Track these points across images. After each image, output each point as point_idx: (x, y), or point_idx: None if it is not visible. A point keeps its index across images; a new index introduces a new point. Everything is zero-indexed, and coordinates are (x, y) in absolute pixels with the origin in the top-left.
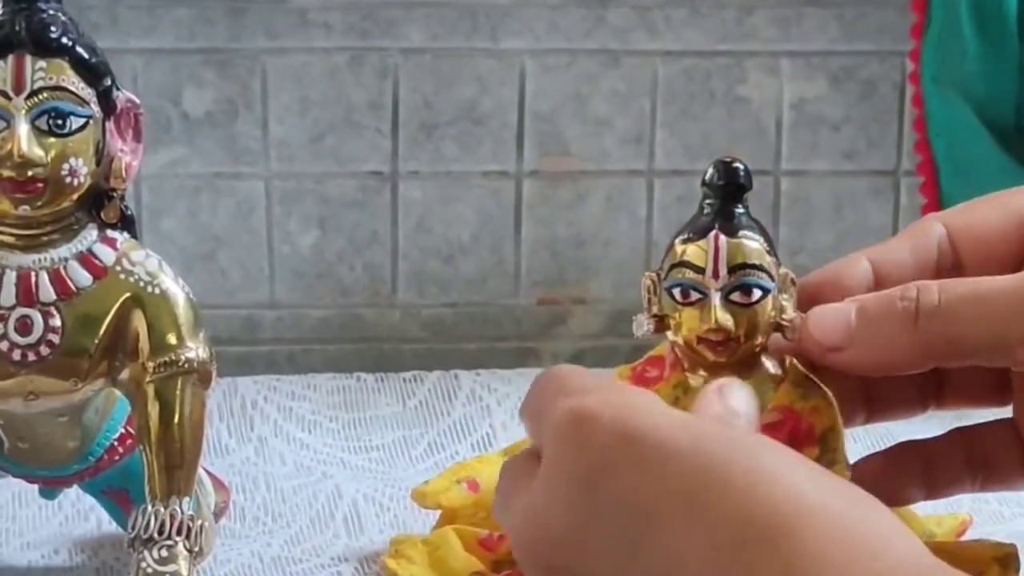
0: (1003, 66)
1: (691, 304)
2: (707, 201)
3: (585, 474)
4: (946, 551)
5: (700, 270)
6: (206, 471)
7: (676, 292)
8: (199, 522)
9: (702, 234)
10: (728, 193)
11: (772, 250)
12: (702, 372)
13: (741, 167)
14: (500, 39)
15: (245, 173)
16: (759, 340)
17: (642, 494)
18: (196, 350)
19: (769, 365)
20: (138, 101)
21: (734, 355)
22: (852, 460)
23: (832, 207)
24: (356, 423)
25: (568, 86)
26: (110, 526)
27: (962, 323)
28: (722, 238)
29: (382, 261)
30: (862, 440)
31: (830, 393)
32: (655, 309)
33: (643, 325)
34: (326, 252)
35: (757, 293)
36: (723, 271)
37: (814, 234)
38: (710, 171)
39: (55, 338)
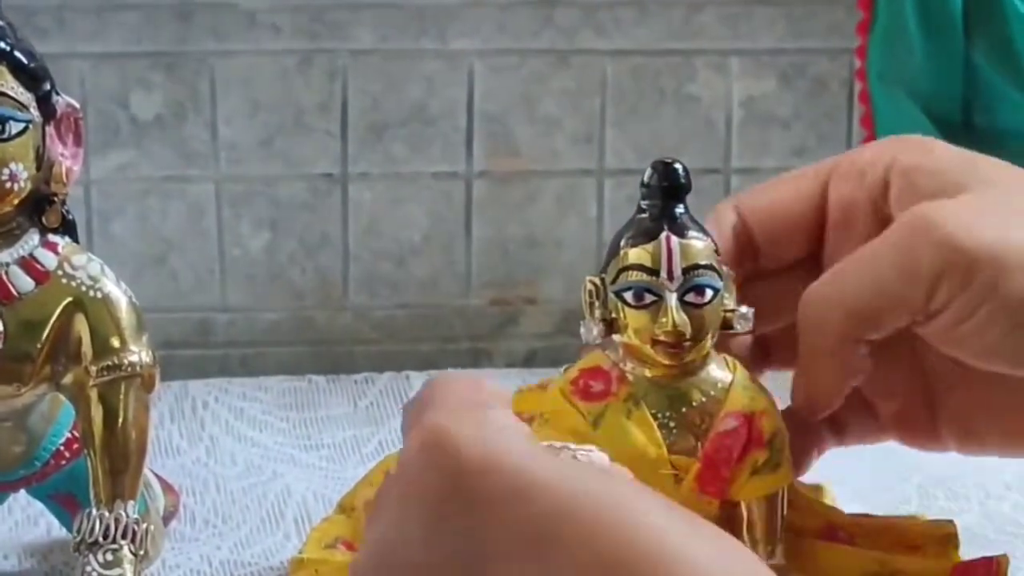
0: (948, 63)
1: (644, 307)
2: (647, 202)
3: (434, 501)
4: (886, 527)
5: (653, 272)
6: (155, 475)
7: (628, 296)
8: (145, 525)
9: (650, 236)
10: (670, 194)
11: (717, 248)
12: (648, 373)
13: (680, 167)
14: (448, 40)
15: (195, 176)
16: (710, 340)
17: (489, 532)
18: (139, 353)
19: (715, 366)
20: (78, 105)
21: (686, 357)
22: None
23: None
24: (307, 423)
25: (517, 86)
26: (60, 531)
27: (851, 289)
28: (674, 239)
29: (333, 263)
30: None
31: (771, 394)
32: (599, 314)
33: (592, 330)
34: (277, 255)
35: (709, 293)
36: (677, 272)
37: None
38: (649, 172)
39: None
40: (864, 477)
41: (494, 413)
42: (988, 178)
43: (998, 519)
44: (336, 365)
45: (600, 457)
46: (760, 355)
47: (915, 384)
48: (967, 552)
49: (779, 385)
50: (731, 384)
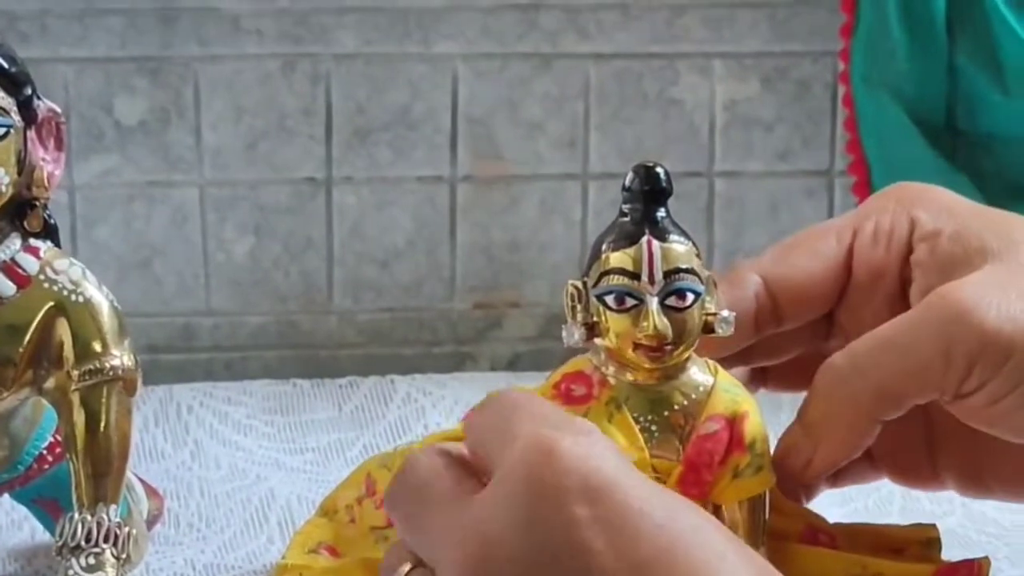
0: (932, 65)
1: (626, 311)
2: (628, 206)
3: (545, 510)
4: (868, 532)
5: (635, 276)
6: (139, 479)
7: (610, 299)
8: (127, 529)
9: (632, 240)
10: (651, 198)
11: (699, 252)
12: (629, 377)
13: (662, 171)
14: (432, 43)
15: (179, 181)
16: (692, 344)
17: (599, 553)
18: (121, 357)
19: (696, 369)
20: (59, 110)
21: (667, 361)
22: None
23: (767, 208)
24: (291, 427)
25: (501, 90)
26: (44, 535)
27: (881, 370)
28: (655, 243)
29: (317, 267)
30: None
31: (752, 397)
32: (580, 317)
33: (574, 334)
34: (261, 259)
35: (691, 297)
36: (659, 276)
37: (749, 235)
38: (630, 176)
39: None
40: None
41: (587, 428)
42: (1010, 239)
43: (980, 520)
44: (320, 369)
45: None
46: (756, 376)
47: (915, 428)
48: (949, 554)
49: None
50: (712, 387)
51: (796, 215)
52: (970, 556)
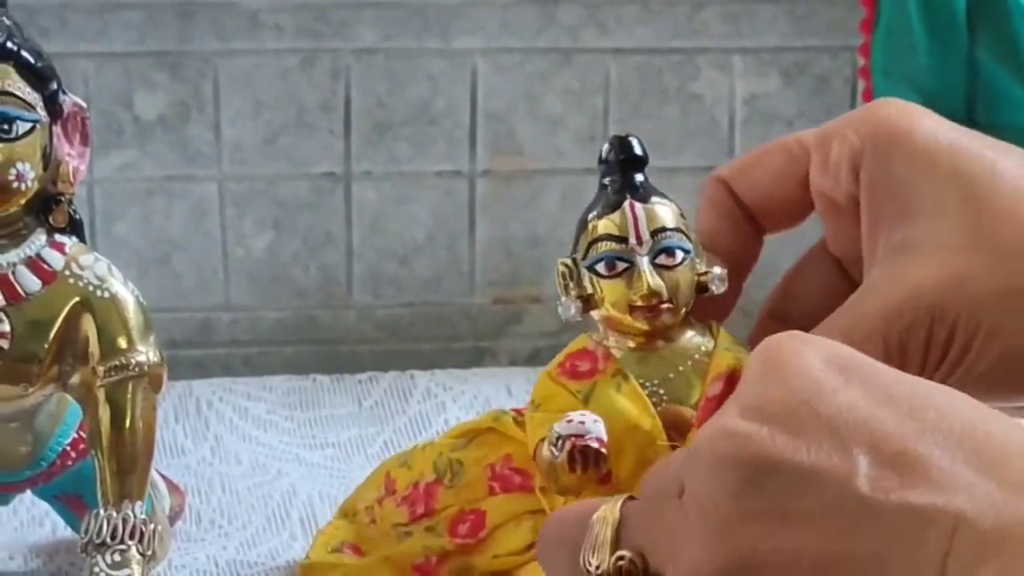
0: (952, 59)
1: (618, 275)
2: (608, 178)
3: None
4: None
5: (622, 239)
6: (161, 475)
7: (600, 267)
8: (152, 526)
9: (615, 207)
10: (628, 166)
11: (682, 212)
12: (631, 344)
13: (635, 140)
14: (452, 39)
15: (198, 176)
16: (687, 303)
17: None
18: (147, 353)
19: (696, 331)
20: (85, 105)
21: (665, 321)
22: None
23: None
24: (311, 422)
25: (520, 85)
26: (65, 532)
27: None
28: (638, 205)
29: (337, 262)
30: None
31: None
32: (575, 292)
33: (570, 308)
34: (280, 254)
35: (680, 254)
36: (645, 236)
37: None
38: (606, 148)
39: (4, 344)
40: None
41: None
42: (942, 207)
43: None
44: (340, 364)
45: (594, 417)
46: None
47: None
48: None
49: None
50: (715, 348)
51: None
52: None
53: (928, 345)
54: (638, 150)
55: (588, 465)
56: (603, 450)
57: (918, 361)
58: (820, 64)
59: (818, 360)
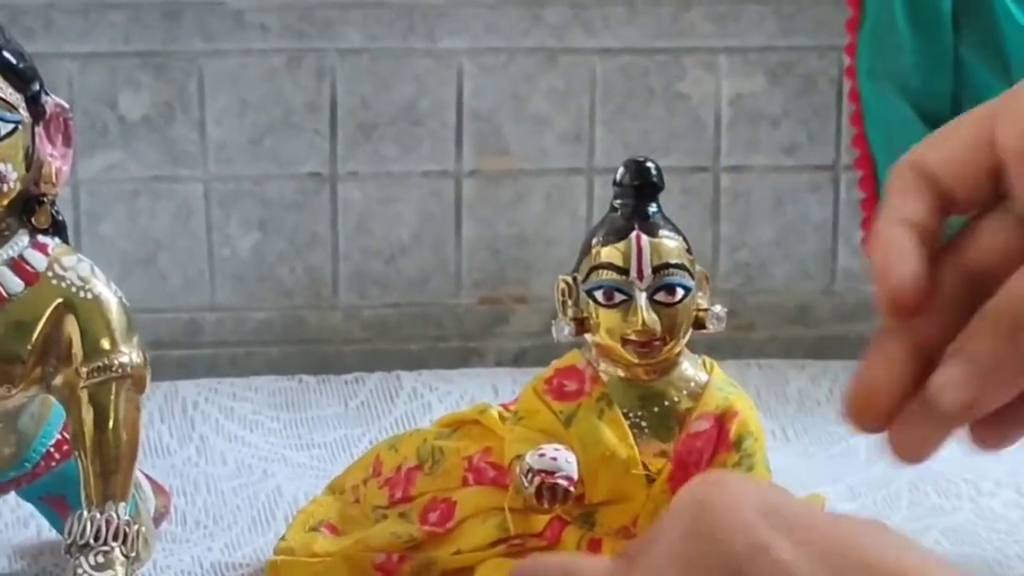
0: (938, 59)
1: (615, 306)
2: (619, 201)
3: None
4: None
5: (623, 271)
6: (146, 475)
7: (599, 295)
8: (136, 527)
9: (621, 235)
10: (642, 193)
11: (689, 247)
12: (620, 373)
13: (653, 166)
14: (437, 39)
15: (183, 176)
16: (682, 340)
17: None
18: (130, 355)
19: (689, 365)
20: (67, 105)
21: (657, 356)
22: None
23: (772, 202)
24: (297, 423)
25: (506, 85)
26: (50, 533)
27: None
28: (644, 238)
29: (323, 262)
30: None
31: (747, 396)
32: (571, 312)
33: (563, 329)
34: (266, 254)
35: (680, 292)
36: (647, 271)
37: (754, 229)
38: (621, 171)
39: None
40: (856, 474)
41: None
42: None
43: (989, 516)
44: (326, 364)
45: (567, 456)
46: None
47: None
48: (959, 551)
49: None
50: (707, 384)
51: (802, 210)
52: (980, 552)
53: None
54: (654, 177)
55: (556, 501)
56: (571, 489)
57: None
58: (806, 64)
59: (754, 514)
